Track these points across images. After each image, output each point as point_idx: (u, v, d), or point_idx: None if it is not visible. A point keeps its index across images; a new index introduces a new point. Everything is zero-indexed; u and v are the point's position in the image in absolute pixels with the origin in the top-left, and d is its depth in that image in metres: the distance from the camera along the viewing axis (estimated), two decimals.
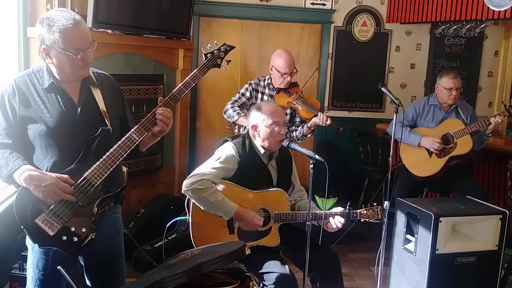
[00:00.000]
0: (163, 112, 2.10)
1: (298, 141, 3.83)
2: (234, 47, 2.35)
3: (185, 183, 2.67)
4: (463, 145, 3.94)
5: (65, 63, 1.99)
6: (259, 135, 2.83)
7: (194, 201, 2.69)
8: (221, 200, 2.65)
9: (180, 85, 2.16)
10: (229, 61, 2.32)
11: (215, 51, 2.27)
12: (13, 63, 3.19)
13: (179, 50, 4.79)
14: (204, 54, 2.26)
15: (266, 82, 3.90)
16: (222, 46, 2.29)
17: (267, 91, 3.88)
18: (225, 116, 3.84)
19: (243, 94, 3.87)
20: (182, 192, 2.69)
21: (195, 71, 2.20)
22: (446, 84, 4.05)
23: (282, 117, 2.86)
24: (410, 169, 4.10)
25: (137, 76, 4.39)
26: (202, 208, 2.68)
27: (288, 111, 3.80)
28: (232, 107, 3.77)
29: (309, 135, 3.88)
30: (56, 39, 1.93)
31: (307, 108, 3.77)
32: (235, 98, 3.86)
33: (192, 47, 4.98)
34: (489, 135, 3.97)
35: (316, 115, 3.70)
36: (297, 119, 3.92)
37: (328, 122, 3.65)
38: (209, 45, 2.29)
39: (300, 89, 3.84)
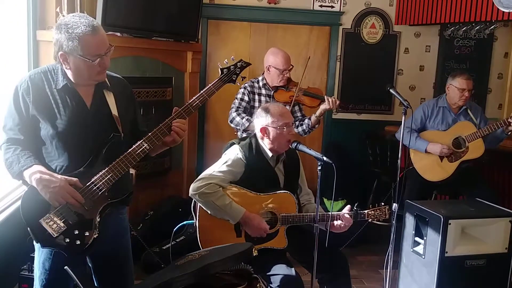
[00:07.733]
0: (179, 124, 2.13)
1: (306, 135, 3.83)
2: (250, 64, 2.35)
3: (192, 186, 2.67)
4: (475, 149, 3.90)
5: (83, 69, 2.00)
6: (269, 137, 2.82)
7: (201, 205, 2.69)
8: (228, 204, 2.65)
9: (194, 98, 2.18)
10: (244, 77, 2.32)
11: (231, 67, 2.27)
12: (23, 66, 3.22)
13: (188, 53, 4.80)
14: (220, 69, 2.26)
15: (261, 83, 3.84)
16: (239, 62, 2.29)
17: (263, 91, 3.83)
18: (232, 125, 3.76)
19: (242, 99, 3.79)
20: (190, 195, 2.70)
21: (210, 85, 2.21)
22: (459, 85, 4.00)
23: (290, 118, 2.88)
24: (421, 173, 4.05)
25: (146, 78, 4.40)
26: (209, 212, 2.68)
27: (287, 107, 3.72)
28: (238, 115, 3.69)
29: (317, 126, 3.82)
30: (75, 46, 1.94)
31: (311, 97, 3.73)
32: (236, 105, 3.78)
33: (201, 49, 5.00)
34: (509, 133, 3.89)
35: (323, 101, 3.67)
36: (298, 114, 3.89)
37: (338, 102, 3.63)
38: (225, 60, 2.29)
39: (299, 81, 3.77)
